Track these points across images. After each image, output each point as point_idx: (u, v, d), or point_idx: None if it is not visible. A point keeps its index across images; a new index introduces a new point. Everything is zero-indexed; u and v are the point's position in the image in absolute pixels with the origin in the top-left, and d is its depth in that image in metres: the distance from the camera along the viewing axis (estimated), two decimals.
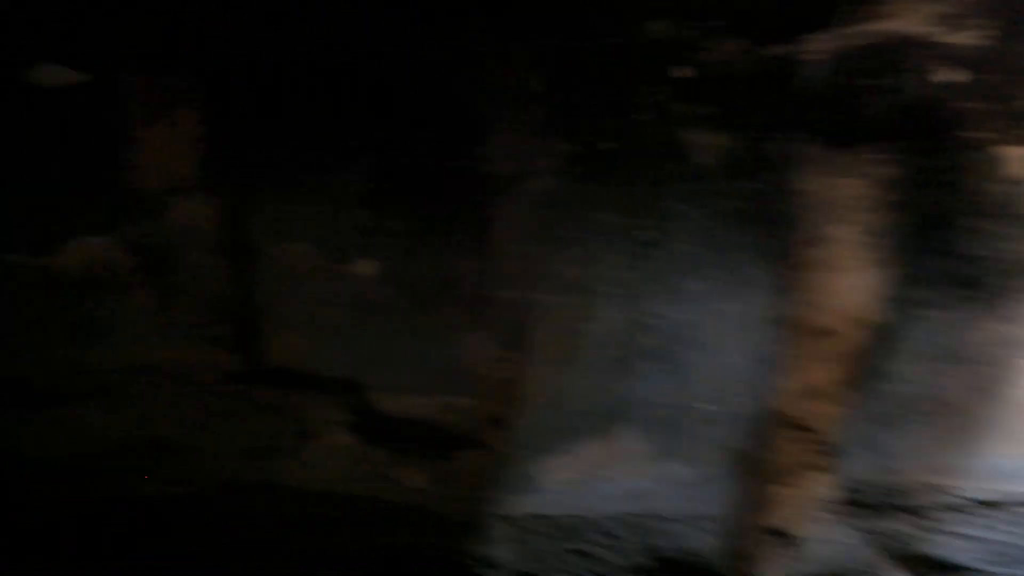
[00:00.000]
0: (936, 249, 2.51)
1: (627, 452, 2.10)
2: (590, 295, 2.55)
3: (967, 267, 2.51)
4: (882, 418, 2.57)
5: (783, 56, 2.38)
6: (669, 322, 2.47)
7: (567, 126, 2.56)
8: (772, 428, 2.34)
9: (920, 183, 2.40)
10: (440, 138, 2.56)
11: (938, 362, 2.58)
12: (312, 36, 2.37)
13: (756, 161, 2.48)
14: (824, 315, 2.35)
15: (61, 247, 2.60)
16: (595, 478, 2.03)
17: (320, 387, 2.61)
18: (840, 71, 2.36)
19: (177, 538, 2.37)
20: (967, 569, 2.37)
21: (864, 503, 2.54)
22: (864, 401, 2.44)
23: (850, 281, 2.36)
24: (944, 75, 2.32)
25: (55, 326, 2.69)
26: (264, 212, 2.56)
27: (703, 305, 2.48)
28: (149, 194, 2.53)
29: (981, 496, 2.59)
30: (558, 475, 2.04)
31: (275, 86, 2.48)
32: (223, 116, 2.50)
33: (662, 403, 2.25)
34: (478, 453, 2.35)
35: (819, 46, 2.35)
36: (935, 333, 2.55)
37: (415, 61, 2.43)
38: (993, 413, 2.55)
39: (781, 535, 2.15)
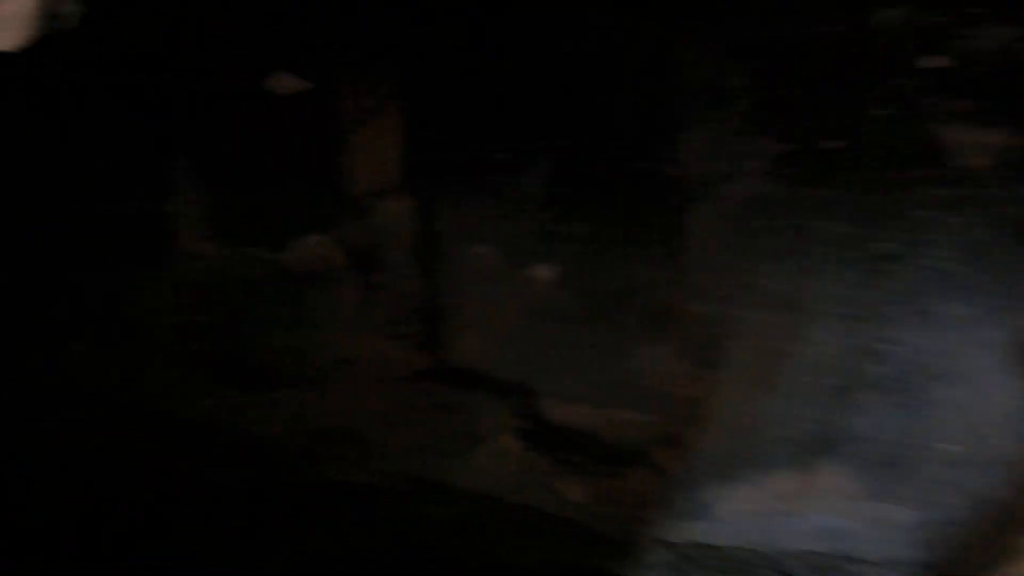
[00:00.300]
0: None
1: (827, 488, 1.72)
2: (804, 314, 2.18)
3: None
4: None
5: None
6: (908, 350, 2.01)
7: (777, 123, 2.30)
8: None
9: None
10: (629, 138, 2.45)
11: None
12: (498, 36, 2.45)
13: None
14: None
15: (290, 244, 2.96)
16: (781, 512, 1.69)
17: (493, 390, 2.58)
18: None
19: (351, 527, 2.44)
20: None
21: None
22: None
23: None
24: None
25: (278, 315, 3.04)
26: (451, 214, 2.67)
27: (959, 332, 1.98)
28: (358, 196, 2.78)
29: None
30: (737, 504, 1.74)
31: (460, 88, 2.60)
32: (418, 119, 2.68)
33: (885, 439, 1.82)
34: (646, 472, 2.10)
35: None
36: None
37: (603, 56, 2.38)
38: None
39: None
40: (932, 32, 2.12)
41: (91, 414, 3.21)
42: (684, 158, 2.33)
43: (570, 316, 2.49)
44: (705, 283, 2.28)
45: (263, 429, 3.04)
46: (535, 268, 2.53)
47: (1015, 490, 1.47)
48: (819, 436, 1.91)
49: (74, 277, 3.38)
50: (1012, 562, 1.24)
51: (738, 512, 1.70)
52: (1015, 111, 2.06)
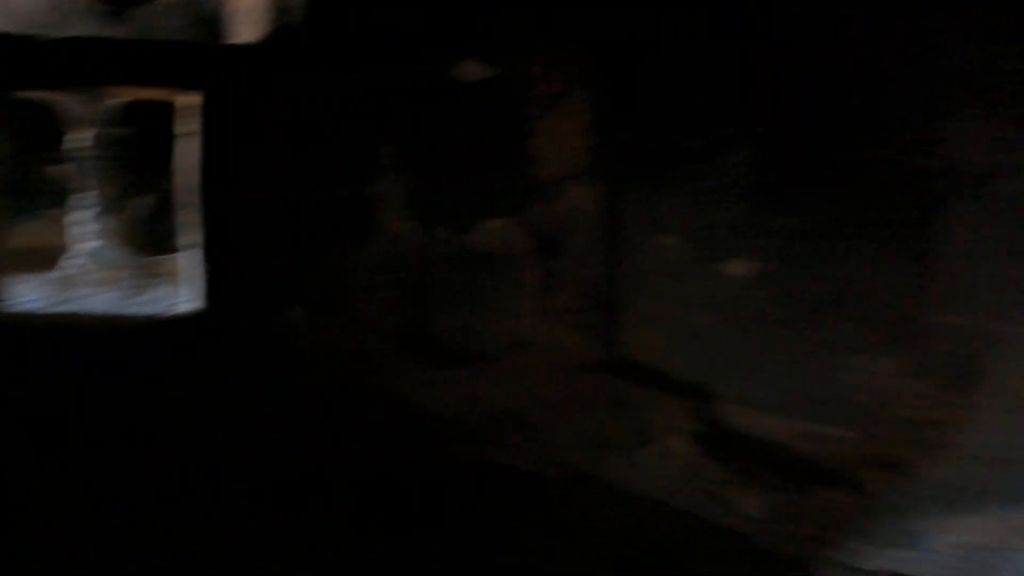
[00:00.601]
0: None
1: None
2: None
3: None
4: None
5: None
6: None
7: None
8: None
9: None
10: (856, 123, 2.14)
11: None
12: (698, 15, 2.31)
13: None
14: None
15: (475, 226, 3.06)
16: (1007, 549, 1.36)
17: (668, 388, 2.42)
18: None
19: (509, 513, 2.39)
20: None
21: None
22: None
23: None
24: None
25: (461, 295, 3.14)
26: (638, 202, 2.57)
27: None
28: (545, 181, 2.79)
29: None
30: (959, 537, 1.44)
31: (654, 71, 2.49)
32: (607, 104, 2.63)
33: None
34: (842, 492, 1.82)
35: None
36: None
37: (835, 31, 2.13)
38: None
39: None
40: None
41: (298, 377, 3.56)
42: (946, 149, 1.95)
43: (768, 318, 2.25)
44: (963, 292, 1.89)
45: (439, 406, 3.14)
46: (730, 263, 2.33)
47: None
48: None
49: (295, 252, 3.80)
50: None
51: (957, 545, 1.40)
52: None
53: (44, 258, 6.02)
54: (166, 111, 6.24)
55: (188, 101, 3.82)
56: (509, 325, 2.95)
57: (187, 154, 4.94)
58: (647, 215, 2.53)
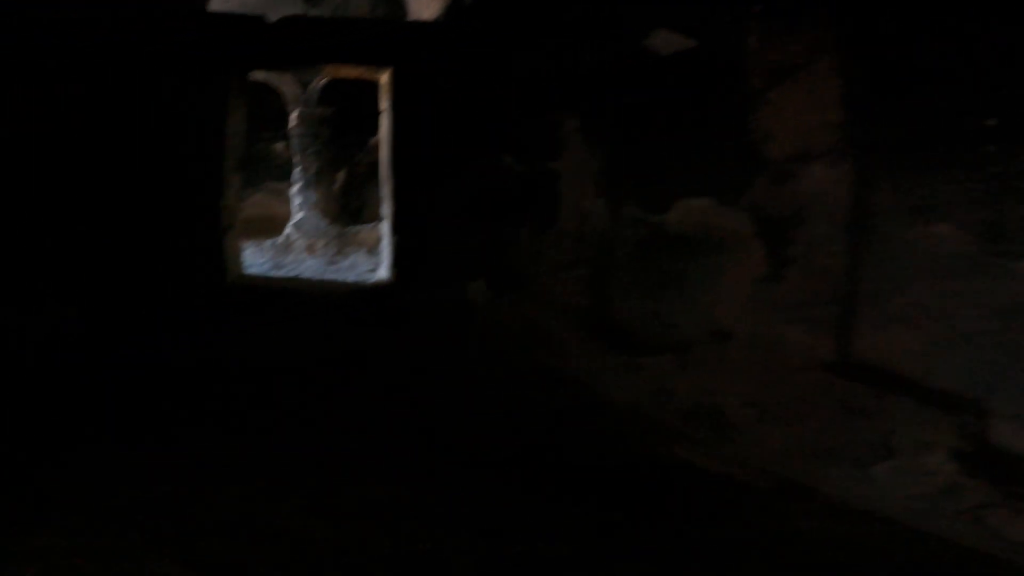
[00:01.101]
0: None
1: None
2: None
3: None
4: None
5: None
6: None
7: None
8: None
9: None
10: None
11: None
12: None
13: None
14: None
15: (672, 206, 2.80)
16: None
17: (922, 398, 2.01)
18: None
19: (696, 516, 2.13)
20: None
21: None
22: None
23: None
24: None
25: (653, 278, 2.90)
26: (897, 186, 2.17)
27: None
28: (775, 160, 2.48)
29: None
30: None
31: (922, 33, 2.09)
32: (861, 74, 2.25)
33: None
34: None
35: None
36: None
37: None
38: None
39: None
40: None
41: (480, 353, 3.53)
42: None
43: None
44: None
45: (627, 395, 2.94)
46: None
47: None
48: None
49: (478, 227, 3.79)
50: None
51: None
52: None
53: (266, 226, 6.69)
54: (360, 89, 6.79)
55: (383, 79, 3.99)
56: (709, 314, 2.67)
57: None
58: (908, 201, 2.13)
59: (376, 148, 7.01)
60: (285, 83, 6.15)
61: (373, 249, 6.66)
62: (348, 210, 7.08)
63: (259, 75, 6.20)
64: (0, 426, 2.50)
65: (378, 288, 3.93)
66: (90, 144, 3.26)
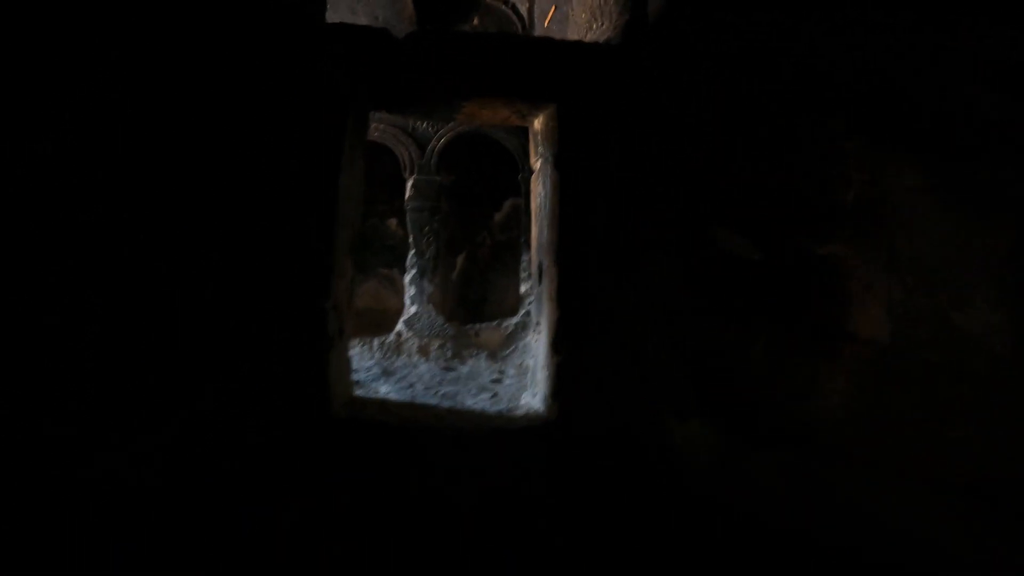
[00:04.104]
0: None
1: None
2: None
3: None
4: None
5: None
6: None
7: None
8: None
9: None
10: None
11: None
12: None
13: None
14: None
15: None
16: None
17: None
18: None
19: None
20: None
21: None
22: None
23: None
24: None
25: None
26: None
27: None
28: None
29: None
30: None
31: None
32: None
33: None
34: None
35: None
36: None
37: None
38: None
39: None
40: None
41: (700, 532, 2.16)
42: None
43: None
44: None
45: None
46: None
47: None
48: None
49: (696, 331, 2.54)
50: None
51: None
52: None
53: (376, 320, 5.62)
54: (479, 154, 5.74)
55: (536, 123, 2.85)
56: None
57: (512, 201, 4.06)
58: None
59: (501, 226, 5.90)
60: (401, 141, 5.17)
61: (497, 353, 5.44)
62: (467, 303, 5.86)
63: (373, 132, 5.27)
64: None
65: (531, 429, 2.65)
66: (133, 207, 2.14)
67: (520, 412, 2.84)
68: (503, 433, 2.64)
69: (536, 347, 2.85)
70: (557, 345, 2.53)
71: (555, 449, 2.59)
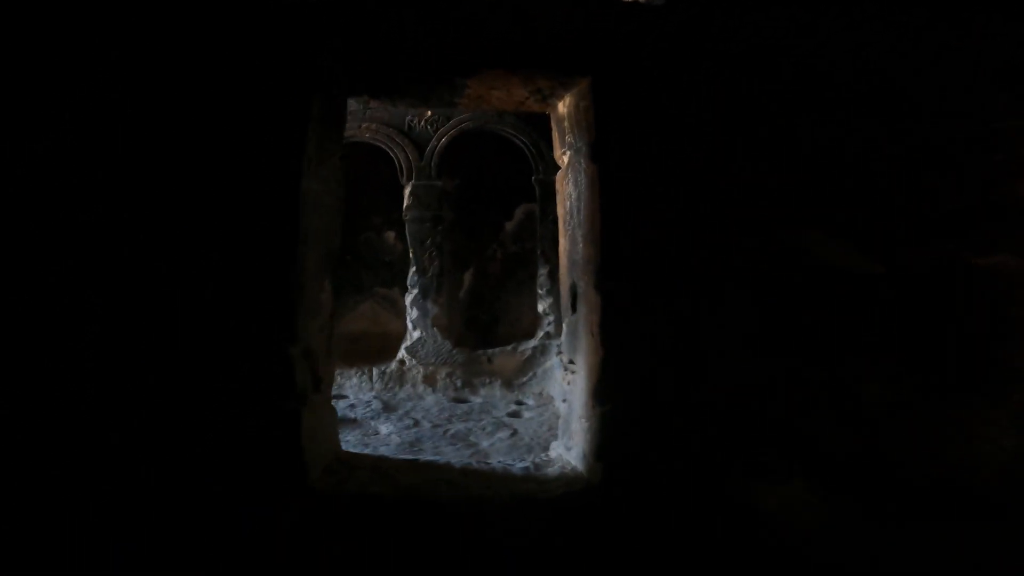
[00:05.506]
0: None
1: None
2: None
3: None
4: None
5: None
6: None
7: None
8: None
9: None
10: None
11: None
12: None
13: None
14: None
15: None
16: None
17: None
18: None
19: None
20: None
21: None
22: None
23: None
24: None
25: None
26: None
27: None
28: None
29: None
30: None
31: None
32: None
33: None
34: None
35: None
36: None
37: None
38: None
39: None
40: None
41: None
42: None
43: None
44: None
45: None
46: None
47: None
48: None
49: (792, 367, 1.94)
50: None
51: None
52: None
53: (376, 345, 5.00)
54: (484, 155, 5.06)
55: (561, 106, 2.25)
56: None
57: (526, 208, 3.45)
58: None
59: (513, 237, 5.29)
60: (397, 142, 4.58)
61: (513, 381, 4.84)
62: (477, 325, 5.20)
63: (364, 133, 4.68)
64: None
65: (571, 496, 2.03)
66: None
67: (554, 472, 2.23)
68: (535, 505, 2.03)
69: (571, 391, 2.24)
70: (601, 394, 1.93)
71: (600, 523, 1.99)
